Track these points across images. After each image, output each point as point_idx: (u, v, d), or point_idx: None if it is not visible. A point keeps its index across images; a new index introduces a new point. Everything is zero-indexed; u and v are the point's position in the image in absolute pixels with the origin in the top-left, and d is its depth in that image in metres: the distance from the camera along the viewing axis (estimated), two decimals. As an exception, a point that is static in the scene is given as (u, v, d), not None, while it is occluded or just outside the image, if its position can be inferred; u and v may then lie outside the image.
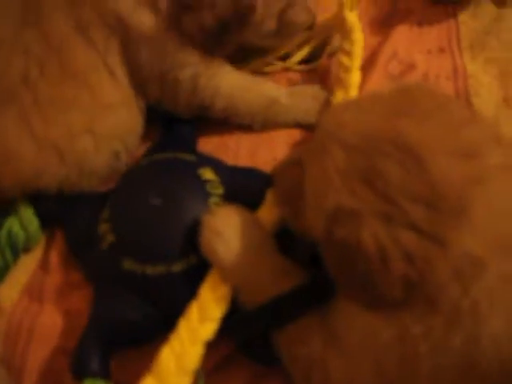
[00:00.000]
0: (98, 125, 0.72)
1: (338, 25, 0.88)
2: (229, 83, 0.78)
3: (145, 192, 0.67)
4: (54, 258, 0.77)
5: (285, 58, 0.92)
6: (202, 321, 0.60)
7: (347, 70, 0.83)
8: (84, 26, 0.69)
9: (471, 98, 0.90)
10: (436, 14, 1.00)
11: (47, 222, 0.76)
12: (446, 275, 0.43)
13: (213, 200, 0.67)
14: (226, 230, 0.61)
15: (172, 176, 0.69)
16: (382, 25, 0.98)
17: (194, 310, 0.61)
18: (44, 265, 0.77)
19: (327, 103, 0.83)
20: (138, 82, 0.75)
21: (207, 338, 0.60)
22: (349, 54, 0.84)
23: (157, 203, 0.66)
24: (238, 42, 0.78)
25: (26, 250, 0.77)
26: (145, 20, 0.69)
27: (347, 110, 0.55)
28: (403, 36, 0.97)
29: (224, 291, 0.61)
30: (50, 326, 0.72)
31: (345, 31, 0.86)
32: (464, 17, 1.00)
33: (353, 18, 0.87)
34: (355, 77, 0.83)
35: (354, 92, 0.82)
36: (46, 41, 0.68)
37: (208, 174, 0.69)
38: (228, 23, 0.70)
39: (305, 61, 0.92)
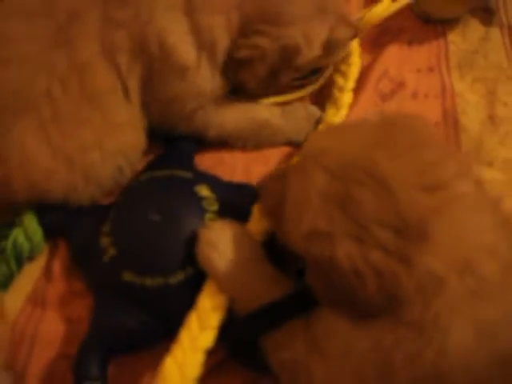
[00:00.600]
0: (106, 141, 0.77)
1: None
2: (221, 116, 0.84)
3: (144, 208, 0.71)
4: (57, 267, 0.80)
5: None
6: (201, 329, 0.63)
7: (341, 89, 0.88)
8: (112, 49, 0.73)
9: (458, 116, 0.94)
10: (426, 33, 1.04)
11: (51, 232, 0.80)
12: (411, 291, 0.47)
13: (208, 216, 0.71)
14: (221, 242, 0.65)
15: (170, 193, 0.72)
16: (374, 43, 1.02)
17: (193, 319, 0.64)
18: (47, 273, 0.80)
19: (319, 122, 0.87)
20: (145, 104, 0.79)
21: (207, 346, 0.63)
22: (344, 75, 0.89)
23: (156, 219, 0.69)
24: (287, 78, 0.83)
25: (30, 259, 0.80)
26: (188, 55, 0.75)
27: (331, 136, 0.60)
28: (394, 55, 1.01)
29: (221, 300, 0.65)
30: (53, 332, 0.75)
31: (344, 54, 0.90)
32: (453, 36, 1.04)
33: (353, 44, 0.92)
34: (347, 97, 0.88)
35: (344, 111, 0.87)
36: (72, 61, 0.73)
37: (204, 190, 0.73)
38: (278, 69, 0.77)
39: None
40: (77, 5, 0.73)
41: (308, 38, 0.76)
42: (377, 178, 0.50)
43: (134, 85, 0.76)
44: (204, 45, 0.74)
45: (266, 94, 0.85)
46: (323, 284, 0.53)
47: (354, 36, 0.86)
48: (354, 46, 0.92)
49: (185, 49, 0.74)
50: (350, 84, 0.89)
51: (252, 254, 0.66)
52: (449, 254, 0.48)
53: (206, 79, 0.77)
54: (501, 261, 0.49)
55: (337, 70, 0.91)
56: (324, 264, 0.51)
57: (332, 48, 0.82)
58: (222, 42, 0.74)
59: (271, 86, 0.81)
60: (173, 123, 0.83)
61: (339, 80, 0.89)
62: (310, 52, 0.78)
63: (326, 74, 0.93)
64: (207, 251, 0.65)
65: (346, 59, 0.90)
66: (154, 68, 0.75)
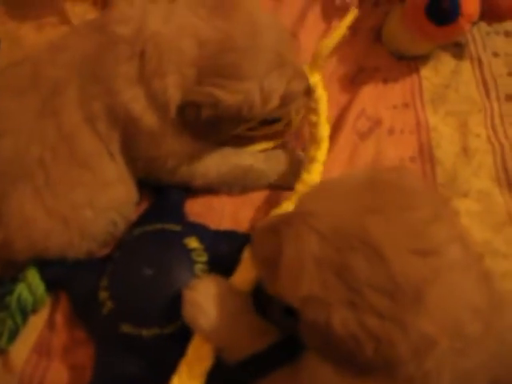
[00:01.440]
0: (97, 199, 0.82)
1: None
2: (204, 166, 0.89)
3: (138, 263, 0.76)
4: (60, 317, 0.84)
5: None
6: (190, 378, 0.68)
7: (315, 125, 0.90)
8: (92, 117, 0.79)
9: (433, 150, 0.99)
10: (400, 70, 1.08)
11: (52, 285, 0.84)
12: (406, 352, 0.50)
13: (198, 267, 0.76)
14: (205, 303, 0.69)
15: (161, 247, 0.77)
16: (351, 83, 1.06)
17: (183, 368, 0.69)
18: (50, 324, 0.84)
19: (301, 164, 0.91)
20: (130, 160, 0.85)
21: (198, 392, 0.68)
22: (314, 111, 0.91)
23: (148, 273, 0.74)
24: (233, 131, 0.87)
25: (34, 311, 0.84)
26: (152, 121, 0.79)
27: (320, 198, 0.62)
28: (370, 93, 1.05)
29: (208, 350, 0.69)
30: (58, 380, 0.79)
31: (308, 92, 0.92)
32: (426, 71, 1.09)
33: (315, 78, 0.94)
34: (324, 130, 0.89)
35: (325, 144, 0.88)
36: (59, 130, 0.79)
37: (193, 242, 0.78)
38: (224, 119, 0.80)
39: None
40: (57, 80, 0.79)
41: (265, 92, 0.79)
42: (369, 244, 0.51)
43: (115, 148, 0.82)
44: (161, 107, 0.78)
45: (214, 141, 0.88)
46: (319, 342, 0.54)
47: (307, 87, 0.88)
48: (317, 80, 0.94)
49: (147, 115, 0.79)
50: (323, 117, 0.90)
51: (237, 309, 0.69)
52: (441, 316, 0.50)
53: (174, 139, 0.82)
54: (483, 318, 0.52)
55: (307, 108, 0.93)
56: (321, 328, 0.52)
57: (287, 99, 0.85)
58: (175, 99, 0.78)
59: (213, 134, 0.84)
60: (158, 177, 0.89)
61: (312, 117, 0.91)
62: (266, 106, 0.81)
63: (296, 120, 0.97)
64: (192, 312, 0.69)
65: (312, 96, 0.92)
66: (128, 134, 0.81)
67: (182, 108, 0.78)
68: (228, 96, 0.76)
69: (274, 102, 0.81)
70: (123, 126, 0.80)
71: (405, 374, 0.50)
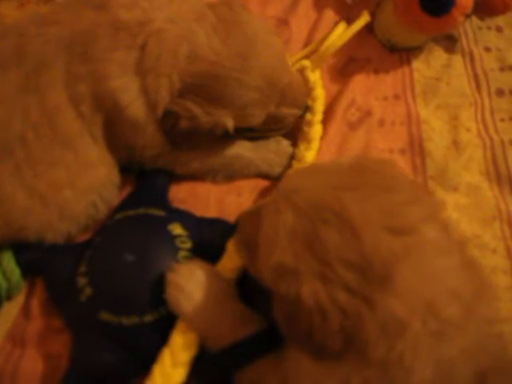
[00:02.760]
0: (78, 180, 0.80)
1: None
2: (186, 155, 0.87)
3: (119, 248, 0.73)
4: (35, 305, 0.81)
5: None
6: (173, 366, 0.66)
7: (309, 124, 0.91)
8: (77, 98, 0.77)
9: (424, 142, 0.98)
10: (391, 62, 1.07)
11: (28, 271, 0.81)
12: (374, 331, 0.49)
13: (182, 254, 0.73)
14: (188, 286, 0.67)
15: (144, 232, 0.75)
16: (341, 73, 1.04)
17: (165, 357, 0.67)
18: (26, 312, 0.81)
19: (292, 157, 0.90)
20: (111, 145, 0.82)
21: (180, 382, 0.66)
22: (311, 109, 0.92)
23: (130, 259, 0.71)
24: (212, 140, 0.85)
25: (9, 298, 0.81)
26: (138, 113, 0.78)
27: (304, 176, 0.62)
28: (361, 84, 1.03)
29: (192, 337, 0.67)
30: (32, 370, 0.76)
31: (308, 89, 0.93)
32: (417, 64, 1.08)
33: (314, 77, 0.95)
34: (317, 130, 0.91)
35: (315, 144, 0.90)
36: (42, 107, 0.76)
37: (177, 229, 0.76)
38: (201, 131, 0.79)
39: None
40: (42, 56, 0.76)
41: (240, 119, 0.80)
42: (343, 218, 0.52)
43: (98, 131, 0.79)
44: (151, 104, 0.77)
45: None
46: (286, 318, 0.55)
47: (304, 111, 0.90)
48: (317, 78, 0.95)
49: (136, 107, 0.77)
50: (318, 117, 0.91)
51: (220, 294, 0.68)
52: (411, 297, 0.50)
53: (155, 134, 0.81)
54: (463, 303, 0.51)
55: None
56: (290, 300, 0.52)
57: (277, 119, 0.86)
58: (164, 101, 0.77)
59: (186, 143, 0.84)
60: (139, 163, 0.87)
61: (307, 115, 0.91)
62: (243, 126, 0.82)
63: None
64: (175, 294, 0.67)
65: (309, 93, 0.92)
66: (111, 120, 0.79)
67: (163, 115, 0.78)
68: (203, 115, 0.77)
69: (253, 123, 0.82)
70: (106, 112, 0.78)
71: (376, 356, 0.50)
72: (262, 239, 0.60)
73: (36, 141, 0.76)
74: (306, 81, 0.93)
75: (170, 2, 0.80)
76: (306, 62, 0.95)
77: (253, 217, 0.66)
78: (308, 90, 0.93)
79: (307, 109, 0.91)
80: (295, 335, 0.55)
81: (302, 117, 0.91)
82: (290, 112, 0.87)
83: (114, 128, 0.80)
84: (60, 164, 0.78)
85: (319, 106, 0.92)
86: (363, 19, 0.97)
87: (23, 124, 0.75)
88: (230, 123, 0.79)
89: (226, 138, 0.83)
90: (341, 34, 0.96)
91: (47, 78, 0.76)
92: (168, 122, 0.78)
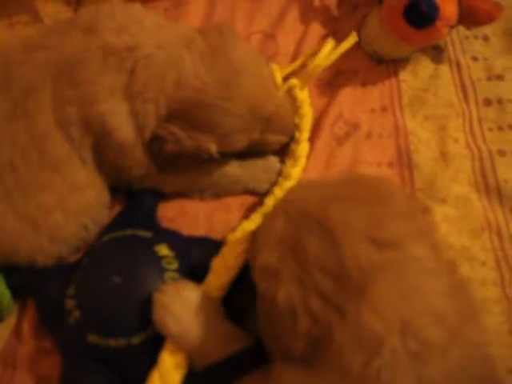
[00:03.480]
0: (67, 203, 0.81)
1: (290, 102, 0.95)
2: (172, 175, 0.88)
3: (106, 270, 0.73)
4: (27, 326, 0.82)
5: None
6: None
7: (297, 142, 0.92)
8: (65, 122, 0.78)
9: (412, 154, 0.98)
10: (379, 74, 1.07)
11: (19, 293, 0.82)
12: (347, 342, 0.49)
13: (168, 275, 0.74)
14: (175, 306, 0.67)
15: (130, 254, 0.75)
16: (329, 86, 1.04)
17: (155, 378, 0.67)
18: (17, 333, 0.82)
19: (278, 172, 0.91)
20: (101, 166, 0.83)
21: (171, 403, 0.66)
22: (298, 127, 0.92)
23: (117, 281, 0.72)
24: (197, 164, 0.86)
25: (0, 320, 0.82)
26: (127, 135, 0.79)
27: (301, 189, 0.66)
28: (348, 97, 1.03)
29: (181, 357, 0.68)
30: (24, 392, 0.76)
31: (295, 107, 0.94)
32: (404, 75, 1.07)
33: (302, 95, 0.95)
34: (304, 148, 0.91)
35: (302, 162, 0.90)
36: (30, 133, 0.77)
37: (164, 250, 0.76)
38: (186, 154, 0.80)
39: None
40: (30, 82, 0.77)
41: (223, 144, 0.81)
42: (325, 226, 0.53)
43: (87, 154, 0.80)
44: (139, 127, 0.79)
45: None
46: (264, 318, 0.58)
47: (291, 138, 0.90)
48: (305, 96, 0.95)
49: (124, 130, 0.78)
50: (305, 135, 0.91)
51: (208, 314, 0.68)
52: (388, 312, 0.49)
53: (143, 155, 0.82)
54: (447, 327, 0.50)
55: None
56: (267, 299, 0.55)
57: (263, 144, 0.88)
58: (151, 126, 0.78)
59: (172, 167, 0.85)
60: (127, 183, 0.87)
61: (294, 133, 0.92)
62: (227, 151, 0.83)
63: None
64: (162, 315, 0.67)
65: (297, 111, 0.93)
66: (99, 142, 0.80)
67: (150, 140, 0.79)
68: (187, 140, 0.78)
69: (236, 148, 0.83)
70: (95, 134, 0.79)
71: (353, 369, 0.49)
72: (257, 242, 0.62)
73: (25, 166, 0.77)
74: (294, 99, 0.94)
75: (158, 27, 0.82)
76: (295, 81, 0.96)
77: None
78: (296, 107, 0.93)
79: (293, 137, 0.92)
80: (268, 334, 0.58)
81: (289, 141, 0.91)
82: (275, 139, 0.88)
83: (102, 150, 0.81)
84: (49, 188, 0.79)
85: (306, 124, 0.93)
86: (351, 39, 0.97)
87: (12, 150, 0.77)
88: (213, 148, 0.80)
89: (211, 161, 0.83)
90: (329, 53, 0.96)
91: (35, 103, 0.77)
92: (155, 145, 0.79)
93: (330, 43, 0.98)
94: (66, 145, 0.79)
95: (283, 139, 0.89)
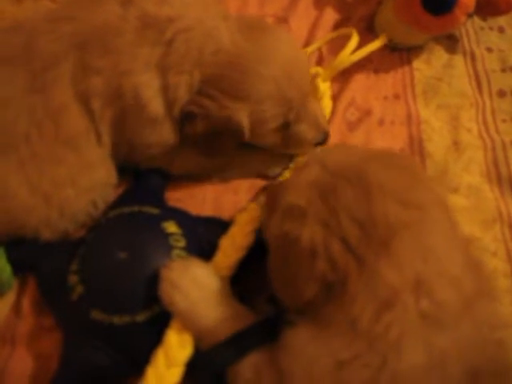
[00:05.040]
0: (79, 179, 0.79)
1: (311, 91, 0.93)
2: (181, 158, 0.86)
3: (111, 246, 0.71)
4: (27, 303, 0.80)
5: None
6: (168, 366, 0.64)
7: None
8: (87, 94, 0.75)
9: (424, 143, 0.97)
10: (392, 61, 1.06)
11: (20, 268, 0.79)
12: (361, 292, 0.50)
13: (175, 252, 0.71)
14: (183, 282, 0.66)
15: (137, 230, 0.73)
16: (342, 72, 1.02)
17: (160, 357, 0.65)
18: (17, 310, 0.80)
19: (290, 159, 0.89)
20: (114, 143, 0.81)
21: (174, 383, 0.64)
22: None
23: (122, 257, 0.70)
24: (233, 148, 0.84)
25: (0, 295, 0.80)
26: (156, 110, 0.77)
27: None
28: (361, 83, 1.03)
29: (188, 337, 0.66)
30: (21, 369, 0.75)
31: (316, 97, 0.92)
32: (418, 63, 1.07)
33: (324, 86, 0.95)
34: None
35: None
36: (47, 106, 0.75)
37: (171, 227, 0.74)
38: (219, 132, 0.78)
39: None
40: (51, 54, 0.75)
41: (253, 118, 0.78)
42: (361, 178, 0.55)
43: (105, 129, 0.78)
44: (168, 101, 0.77)
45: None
46: (278, 263, 0.58)
47: (323, 141, 0.86)
48: (326, 89, 0.95)
49: (156, 104, 0.76)
50: None
51: (215, 291, 0.66)
52: (407, 269, 0.50)
53: (170, 132, 0.80)
54: (462, 294, 0.51)
55: None
56: (288, 239, 0.55)
57: (292, 142, 0.84)
58: (182, 100, 0.76)
59: (214, 148, 0.82)
60: (137, 162, 0.86)
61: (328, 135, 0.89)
62: (256, 132, 0.80)
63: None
64: (169, 291, 0.66)
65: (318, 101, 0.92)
66: (126, 115, 0.78)
67: (182, 121, 0.78)
68: (217, 110, 0.76)
69: (265, 131, 0.81)
70: (121, 106, 0.77)
71: (363, 323, 0.50)
72: (282, 189, 0.62)
73: (40, 139, 0.76)
74: (315, 88, 0.93)
75: (196, 2, 0.80)
76: (320, 70, 0.96)
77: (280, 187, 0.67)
78: (316, 98, 0.92)
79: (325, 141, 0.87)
80: (281, 281, 0.59)
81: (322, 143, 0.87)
82: (308, 132, 0.84)
83: (127, 123, 0.79)
84: (63, 162, 0.78)
85: (326, 115, 0.92)
86: (381, 40, 0.99)
87: (28, 123, 0.75)
88: (244, 119, 0.77)
89: (242, 147, 0.81)
90: (353, 48, 0.96)
91: (54, 75, 0.75)
92: (188, 127, 0.78)
93: (354, 39, 0.97)
94: (83, 120, 0.77)
95: (316, 136, 0.85)
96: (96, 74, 0.75)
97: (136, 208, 0.76)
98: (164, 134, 0.80)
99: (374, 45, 0.98)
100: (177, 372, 0.64)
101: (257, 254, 0.72)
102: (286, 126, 0.82)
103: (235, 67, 0.75)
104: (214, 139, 0.79)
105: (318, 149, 0.76)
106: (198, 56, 0.75)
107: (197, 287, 0.66)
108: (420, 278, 0.50)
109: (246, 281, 0.73)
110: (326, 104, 0.93)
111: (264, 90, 0.76)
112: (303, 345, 0.54)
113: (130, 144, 0.81)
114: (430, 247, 0.52)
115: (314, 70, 0.96)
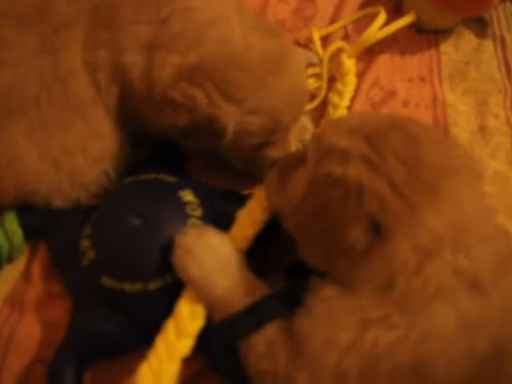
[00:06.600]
0: (89, 148, 0.77)
1: (336, 67, 0.94)
2: None
3: (126, 212, 0.69)
4: (37, 269, 0.79)
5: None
6: (178, 337, 0.62)
7: (336, 107, 0.90)
8: (95, 66, 0.74)
9: (449, 126, 0.94)
10: (419, 43, 1.04)
11: (31, 233, 0.78)
12: (406, 241, 0.48)
13: (191, 221, 0.69)
14: (198, 250, 0.63)
15: (153, 197, 0.71)
16: (366, 51, 1.00)
17: (170, 327, 0.63)
18: (26, 275, 0.79)
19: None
20: (124, 118, 0.79)
21: (184, 354, 0.62)
22: (340, 93, 0.91)
23: (137, 223, 0.68)
24: (211, 150, 0.78)
25: (10, 260, 0.78)
26: (141, 90, 0.74)
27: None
28: (386, 64, 1.01)
29: (200, 308, 0.64)
30: (29, 335, 0.74)
31: (340, 73, 0.92)
32: (445, 47, 1.04)
33: (349, 63, 0.93)
34: (341, 115, 0.88)
35: None
36: (56, 70, 0.73)
37: (188, 195, 0.72)
38: (200, 131, 0.72)
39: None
40: (63, 17, 0.73)
41: (242, 126, 0.71)
42: (407, 131, 0.53)
43: (112, 102, 0.76)
44: (149, 81, 0.73)
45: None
46: (312, 213, 0.55)
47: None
48: (351, 65, 0.93)
49: (140, 84, 0.73)
50: (345, 102, 0.90)
51: (230, 261, 0.64)
52: (449, 219, 0.49)
53: (153, 114, 0.75)
54: (496, 254, 0.49)
55: (333, 89, 0.92)
56: (333, 181, 0.52)
57: (253, 159, 0.78)
58: (165, 81, 0.71)
59: (191, 145, 0.77)
60: (151, 136, 0.82)
61: (335, 98, 0.90)
62: (239, 140, 0.74)
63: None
64: (183, 258, 0.63)
65: (342, 79, 0.91)
66: (124, 92, 0.76)
67: (163, 104, 0.72)
68: (206, 106, 0.69)
69: (243, 145, 0.75)
70: (121, 83, 0.75)
71: (402, 278, 0.48)
72: (316, 135, 0.61)
73: (48, 104, 0.74)
74: (340, 64, 0.92)
75: None
76: (346, 46, 0.94)
77: (296, 153, 0.67)
78: (341, 74, 0.91)
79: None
80: (316, 230, 0.55)
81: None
82: (272, 156, 0.76)
83: (126, 101, 0.77)
84: (71, 130, 0.76)
85: (348, 93, 0.91)
86: (409, 17, 0.97)
87: (38, 85, 0.73)
88: (231, 125, 0.70)
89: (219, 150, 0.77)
90: (382, 26, 0.95)
91: (64, 39, 0.73)
92: (169, 114, 0.72)
93: (381, 16, 0.95)
94: (91, 89, 0.75)
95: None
96: (101, 47, 0.73)
97: (152, 175, 0.75)
98: (151, 117, 0.76)
99: (403, 21, 0.96)
100: (187, 343, 0.62)
101: (272, 229, 0.70)
102: (260, 147, 0.77)
103: (239, 65, 0.69)
104: (192, 137, 0.74)
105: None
106: (196, 39, 0.71)
107: (212, 255, 0.63)
108: (459, 229, 0.48)
109: (260, 255, 0.70)
110: (351, 81, 0.92)
111: (261, 101, 0.70)
112: (327, 307, 0.52)
113: (136, 119, 0.79)
114: (469, 200, 0.51)
115: (340, 44, 0.95)
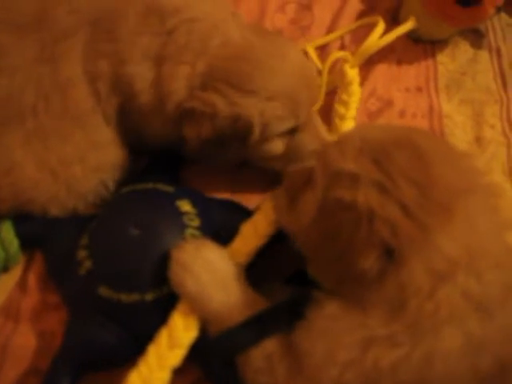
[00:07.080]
0: (87, 157, 0.77)
1: (339, 78, 0.94)
2: None
3: (124, 222, 0.69)
4: (32, 278, 0.78)
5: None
6: (171, 347, 0.62)
7: (342, 117, 0.89)
8: (94, 76, 0.73)
9: (446, 137, 0.94)
10: (415, 53, 1.04)
11: (27, 243, 0.78)
12: (420, 265, 0.47)
13: (189, 232, 0.69)
14: (194, 265, 0.63)
15: (150, 207, 0.71)
16: (364, 61, 1.01)
17: (163, 337, 0.63)
18: (22, 285, 0.78)
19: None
20: (124, 129, 0.79)
21: (175, 364, 0.62)
22: (345, 104, 0.90)
23: (134, 233, 0.68)
24: (237, 159, 0.80)
25: (5, 270, 0.78)
26: (148, 103, 0.74)
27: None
28: (383, 74, 1.01)
29: (193, 319, 0.64)
30: (24, 346, 0.73)
31: (344, 83, 0.92)
32: (442, 57, 1.05)
33: (353, 73, 0.93)
34: (348, 125, 0.88)
35: None
36: (54, 79, 0.73)
37: (186, 206, 0.72)
38: (226, 138, 0.73)
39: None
40: (64, 26, 0.73)
41: (264, 118, 0.72)
42: (414, 145, 0.51)
43: (111, 113, 0.76)
44: (161, 94, 0.73)
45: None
46: (323, 238, 0.53)
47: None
48: (354, 75, 0.93)
49: (147, 97, 0.74)
50: (352, 113, 0.89)
51: (228, 276, 0.64)
52: (462, 242, 0.47)
53: (166, 128, 0.76)
54: (505, 278, 0.49)
55: (338, 100, 0.91)
56: (342, 206, 0.50)
57: (292, 154, 0.78)
58: (178, 94, 0.72)
59: (217, 157, 0.77)
60: (150, 147, 0.83)
61: (340, 109, 0.89)
62: (268, 139, 0.75)
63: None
64: (179, 273, 0.63)
65: (346, 89, 0.91)
66: (125, 104, 0.76)
67: (180, 119, 0.73)
68: (226, 107, 0.70)
69: (272, 134, 0.75)
70: (122, 95, 0.75)
71: (414, 300, 0.47)
72: (319, 158, 0.58)
73: (46, 113, 0.74)
74: (343, 74, 0.92)
75: None
76: (348, 55, 0.94)
77: (303, 170, 0.64)
78: (345, 84, 0.91)
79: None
80: (328, 255, 0.53)
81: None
82: (310, 144, 0.78)
83: (127, 112, 0.77)
84: (69, 140, 0.75)
85: (354, 103, 0.90)
86: (409, 24, 0.97)
87: (36, 94, 0.73)
88: (255, 117, 0.71)
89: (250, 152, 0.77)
90: (382, 34, 0.95)
91: (64, 49, 0.73)
92: (189, 127, 0.73)
93: (380, 25, 0.95)
94: (90, 99, 0.75)
95: (314, 145, 0.78)
96: (102, 57, 0.73)
97: (150, 185, 0.74)
98: (157, 129, 0.77)
99: (403, 28, 0.96)
100: (179, 353, 0.62)
101: (273, 239, 0.70)
102: (291, 133, 0.77)
103: (245, 60, 0.71)
104: (218, 147, 0.74)
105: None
106: (202, 47, 0.72)
107: (208, 271, 0.63)
108: (472, 252, 0.47)
109: (260, 263, 0.70)
110: (355, 91, 0.91)
111: (276, 85, 0.72)
112: (330, 324, 0.52)
113: (136, 131, 0.79)
114: (483, 220, 0.49)
115: (342, 54, 0.94)
